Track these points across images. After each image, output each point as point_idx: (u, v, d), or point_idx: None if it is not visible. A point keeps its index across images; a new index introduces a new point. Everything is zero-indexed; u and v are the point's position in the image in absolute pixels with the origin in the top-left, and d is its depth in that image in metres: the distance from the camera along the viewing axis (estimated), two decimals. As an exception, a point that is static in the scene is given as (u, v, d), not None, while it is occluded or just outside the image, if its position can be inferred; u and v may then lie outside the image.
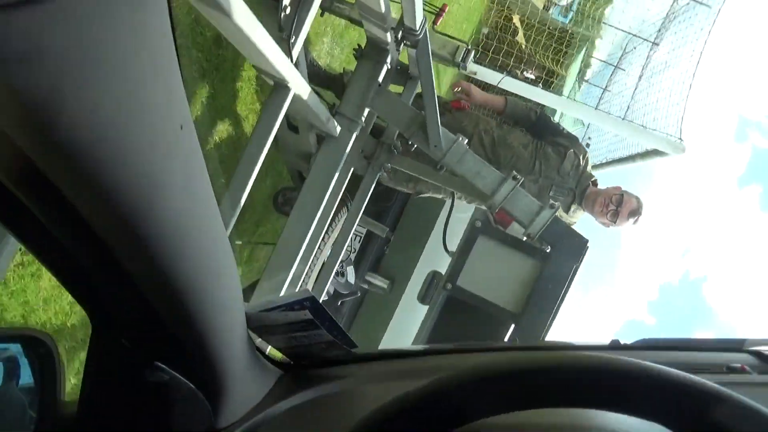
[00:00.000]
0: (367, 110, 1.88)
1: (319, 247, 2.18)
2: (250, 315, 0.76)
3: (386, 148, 2.11)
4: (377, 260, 3.39)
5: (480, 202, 2.51)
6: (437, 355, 1.02)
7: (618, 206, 2.44)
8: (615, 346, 1.02)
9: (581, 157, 2.58)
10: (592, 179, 2.63)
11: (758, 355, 0.95)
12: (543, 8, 12.55)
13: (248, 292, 1.93)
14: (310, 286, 2.27)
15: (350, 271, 2.75)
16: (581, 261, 1.89)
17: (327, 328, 0.79)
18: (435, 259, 3.36)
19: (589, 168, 2.63)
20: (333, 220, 2.23)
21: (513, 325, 1.88)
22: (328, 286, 2.66)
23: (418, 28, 1.62)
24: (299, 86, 1.32)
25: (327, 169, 1.91)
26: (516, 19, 9.43)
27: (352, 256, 2.93)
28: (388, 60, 1.87)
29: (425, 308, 3.44)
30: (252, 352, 0.79)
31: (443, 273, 3.41)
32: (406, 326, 3.46)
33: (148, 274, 0.49)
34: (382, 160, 2.11)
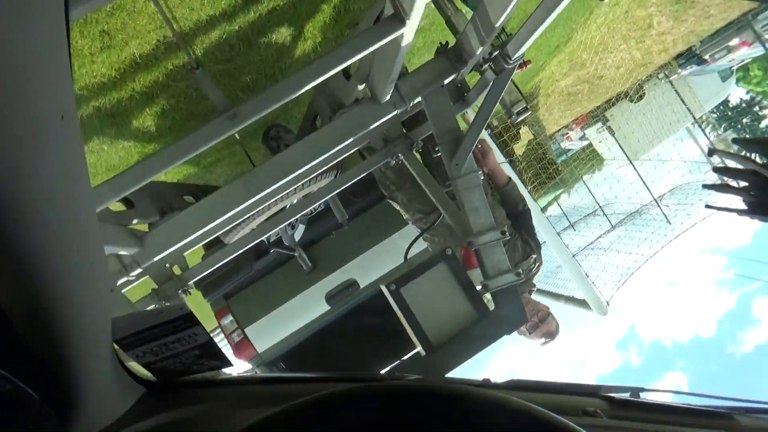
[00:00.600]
0: (418, 99, 1.92)
1: (294, 191, 2.15)
2: (117, 324, 0.71)
3: (408, 142, 2.15)
4: (318, 238, 3.37)
5: (449, 235, 2.57)
6: (303, 383, 0.99)
7: (540, 322, 2.60)
8: (486, 384, 1.09)
9: (537, 266, 2.74)
10: (532, 287, 2.79)
11: (610, 400, 1.02)
12: (550, 136, 13.30)
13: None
14: (260, 220, 2.23)
15: (301, 229, 2.72)
16: (510, 333, 1.96)
17: (200, 330, 0.75)
18: (363, 270, 3.38)
19: (534, 278, 2.80)
20: (320, 175, 2.22)
21: (420, 351, 1.90)
22: (276, 230, 2.62)
23: (514, 59, 1.69)
24: (409, 30, 1.35)
25: (350, 126, 1.92)
26: (524, 130, 9.89)
27: (311, 215, 2.90)
28: (462, 70, 1.93)
29: (326, 308, 3.43)
30: (114, 366, 0.74)
31: (360, 286, 3.44)
32: (297, 314, 3.42)
33: None
34: (398, 150, 2.14)
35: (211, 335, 0.78)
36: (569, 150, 18.02)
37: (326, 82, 2.09)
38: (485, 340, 1.91)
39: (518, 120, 2.14)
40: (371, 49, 1.38)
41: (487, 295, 1.99)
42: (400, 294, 1.88)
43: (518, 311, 1.95)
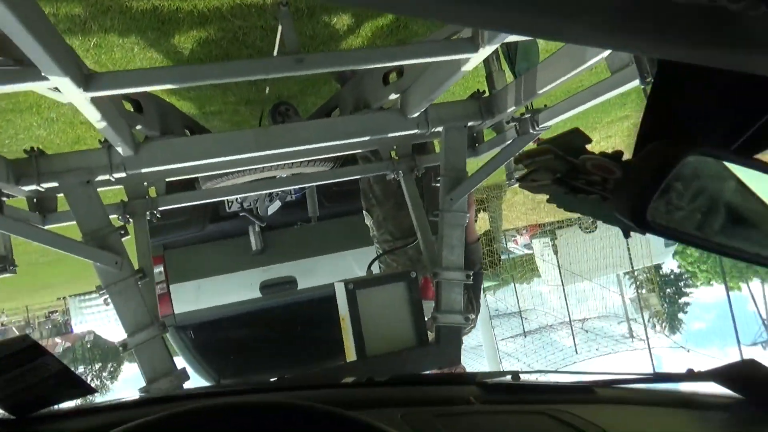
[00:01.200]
0: (440, 129, 2.02)
1: (291, 165, 2.19)
2: None
3: (412, 164, 2.23)
4: (280, 225, 3.36)
5: (407, 264, 2.63)
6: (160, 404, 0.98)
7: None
8: (372, 382, 1.15)
9: (470, 328, 2.83)
10: None
11: (483, 386, 1.08)
12: (504, 234, 13.77)
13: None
14: (247, 178, 2.23)
15: (276, 205, 2.72)
16: (440, 368, 2.03)
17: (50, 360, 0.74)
18: (306, 272, 3.38)
19: None
20: (320, 161, 2.26)
21: (354, 360, 1.93)
22: (252, 195, 2.61)
23: (542, 126, 1.83)
24: (477, 59, 1.45)
25: (371, 126, 1.99)
26: (482, 215, 10.20)
27: (288, 198, 2.90)
28: (486, 121, 2.06)
29: (256, 296, 3.39)
30: None
31: (297, 287, 3.43)
32: (226, 292, 3.37)
33: None
34: (401, 168, 2.21)
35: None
36: (511, 252, 18.67)
37: (362, 78, 2.17)
38: (415, 367, 1.97)
39: (514, 185, 2.26)
40: (435, 59, 1.46)
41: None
42: (354, 295, 1.91)
43: (455, 351, 2.01)
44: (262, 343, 3.51)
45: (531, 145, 1.94)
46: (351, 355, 1.99)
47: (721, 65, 0.44)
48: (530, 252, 18.30)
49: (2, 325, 34.01)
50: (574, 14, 0.39)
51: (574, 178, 0.87)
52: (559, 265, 14.02)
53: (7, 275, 1.79)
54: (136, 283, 1.74)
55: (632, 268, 15.56)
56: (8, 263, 1.78)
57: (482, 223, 10.40)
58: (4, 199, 1.58)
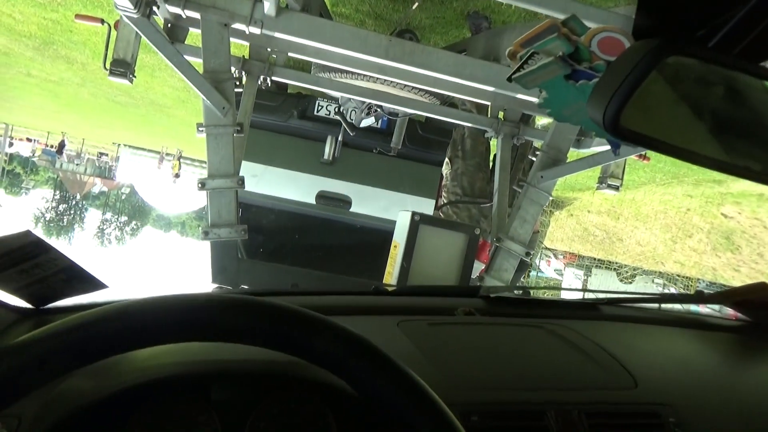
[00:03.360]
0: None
1: (404, 86, 2.21)
2: None
3: (516, 131, 2.23)
4: (360, 145, 3.41)
5: (467, 220, 2.66)
6: None
7: None
8: (378, 291, 1.16)
9: None
10: None
11: (485, 299, 1.09)
12: (542, 247, 13.59)
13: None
14: (359, 82, 2.27)
15: (371, 120, 2.76)
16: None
17: (57, 254, 0.72)
18: (363, 199, 3.44)
19: None
20: (431, 93, 2.28)
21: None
22: (352, 102, 2.66)
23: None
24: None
25: (497, 79, 1.99)
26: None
27: (386, 118, 2.93)
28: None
29: (311, 202, 3.48)
30: None
31: (350, 209, 3.50)
32: (286, 186, 3.46)
33: None
34: (504, 130, 2.22)
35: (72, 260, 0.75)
36: (541, 271, 18.44)
37: (501, 32, 2.16)
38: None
39: (603, 189, 2.24)
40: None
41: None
42: (416, 227, 1.95)
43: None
44: (300, 246, 3.61)
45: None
46: (391, 281, 2.05)
47: None
48: (559, 278, 18.03)
49: (53, 146, 35.71)
50: None
51: (578, 62, 0.81)
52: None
53: (125, 81, 1.88)
54: (232, 134, 1.82)
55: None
56: (130, 71, 1.88)
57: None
58: (154, 8, 1.65)
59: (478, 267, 2.10)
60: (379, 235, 3.29)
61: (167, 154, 27.31)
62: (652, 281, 12.78)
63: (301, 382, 0.65)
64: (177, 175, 26.97)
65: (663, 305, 1.13)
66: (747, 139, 0.57)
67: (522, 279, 2.89)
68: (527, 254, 2.02)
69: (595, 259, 13.54)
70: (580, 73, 0.79)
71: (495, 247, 2.03)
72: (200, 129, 1.80)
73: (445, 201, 2.75)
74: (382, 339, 0.56)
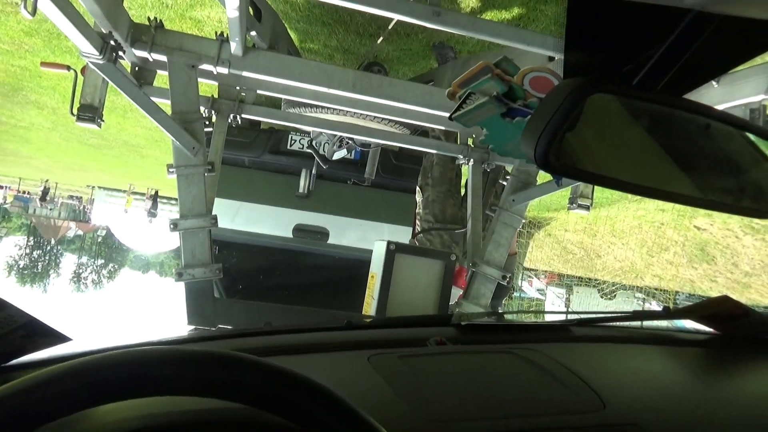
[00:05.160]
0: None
1: (372, 118, 2.24)
2: None
3: (485, 156, 2.27)
4: (334, 177, 3.43)
5: (440, 247, 2.68)
6: None
7: None
8: (351, 325, 1.14)
9: None
10: None
11: (457, 327, 1.08)
12: (522, 272, 13.68)
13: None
14: (328, 116, 2.29)
15: (343, 152, 2.78)
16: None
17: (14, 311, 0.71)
18: (340, 231, 3.45)
19: None
20: (401, 124, 2.31)
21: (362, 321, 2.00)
22: (323, 136, 2.68)
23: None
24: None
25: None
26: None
27: (359, 150, 2.95)
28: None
29: (288, 236, 3.47)
30: None
31: (328, 240, 3.50)
32: (262, 222, 3.45)
33: None
34: (473, 156, 2.25)
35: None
36: (523, 292, 18.50)
37: (466, 62, 2.21)
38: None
39: (574, 209, 2.28)
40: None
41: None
42: (392, 256, 1.96)
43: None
44: (279, 280, 3.59)
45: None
46: (369, 311, 2.04)
47: None
48: (541, 298, 18.10)
49: (27, 193, 35.16)
50: None
51: (513, 100, 0.84)
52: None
53: (93, 126, 1.88)
54: (204, 173, 1.82)
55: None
56: (97, 116, 1.87)
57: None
58: (120, 53, 1.66)
59: (456, 293, 2.10)
60: (358, 265, 3.29)
61: (134, 193, 26.85)
62: (633, 296, 12.91)
63: (261, 427, 0.65)
64: (126, 212, 26.67)
65: (633, 323, 1.14)
66: (672, 165, 0.60)
67: (504, 302, 2.89)
68: (503, 277, 2.03)
69: (575, 277, 13.65)
70: (515, 111, 0.82)
71: (471, 273, 2.04)
72: (170, 170, 1.80)
73: (419, 229, 2.77)
74: (351, 375, 0.56)
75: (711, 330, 1.04)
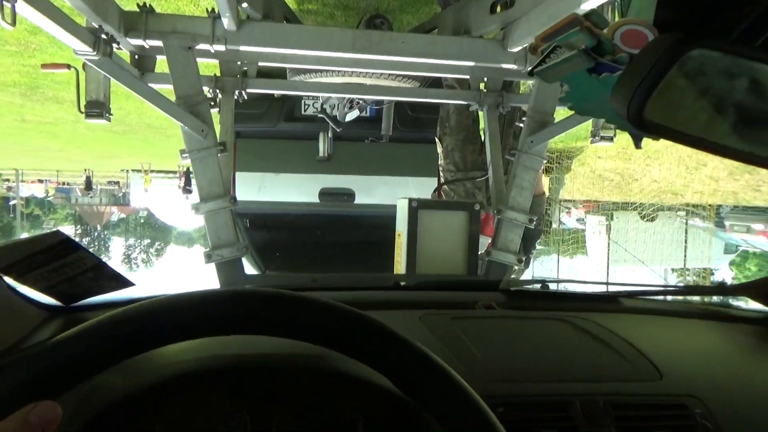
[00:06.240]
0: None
1: (380, 75, 2.19)
2: None
3: (500, 100, 2.20)
4: (351, 137, 3.40)
5: (464, 197, 2.65)
6: None
7: None
8: (398, 285, 1.16)
9: None
10: None
11: (505, 292, 1.10)
12: (559, 201, 13.50)
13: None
14: (334, 80, 2.25)
15: (354, 114, 2.73)
16: None
17: (85, 254, 0.74)
18: (365, 189, 3.44)
19: None
20: (409, 77, 2.25)
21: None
22: (333, 99, 2.64)
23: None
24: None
25: (469, 51, 1.95)
26: (544, 181, 10.00)
27: (363, 114, 2.90)
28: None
29: (314, 201, 3.49)
30: (3, 293, 0.74)
31: (354, 200, 3.50)
32: (287, 190, 3.46)
33: None
34: (487, 101, 2.18)
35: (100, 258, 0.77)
36: (563, 224, 18.28)
37: (468, 3, 2.12)
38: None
39: (597, 142, 2.21)
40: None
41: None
42: (416, 213, 1.94)
43: (499, 289, 2.05)
44: (312, 246, 3.63)
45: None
46: (400, 270, 2.05)
47: None
48: (582, 228, 17.87)
49: (67, 184, 36.22)
50: None
51: (601, 55, 0.83)
52: (609, 245, 13.68)
53: (102, 122, 1.89)
54: (216, 154, 1.82)
55: (684, 265, 15.04)
56: (105, 110, 1.88)
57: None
58: (114, 45, 1.64)
59: (485, 242, 2.08)
60: (388, 222, 3.29)
61: (152, 171, 27.04)
62: (675, 215, 12.62)
63: (327, 375, 0.66)
64: (146, 191, 27.02)
65: (676, 297, 1.13)
66: None
67: (537, 244, 2.87)
68: (530, 221, 1.99)
69: (614, 203, 13.40)
70: (603, 66, 0.79)
71: (497, 220, 2.01)
72: (184, 155, 1.81)
73: (443, 181, 2.73)
74: (405, 333, 0.57)
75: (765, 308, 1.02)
